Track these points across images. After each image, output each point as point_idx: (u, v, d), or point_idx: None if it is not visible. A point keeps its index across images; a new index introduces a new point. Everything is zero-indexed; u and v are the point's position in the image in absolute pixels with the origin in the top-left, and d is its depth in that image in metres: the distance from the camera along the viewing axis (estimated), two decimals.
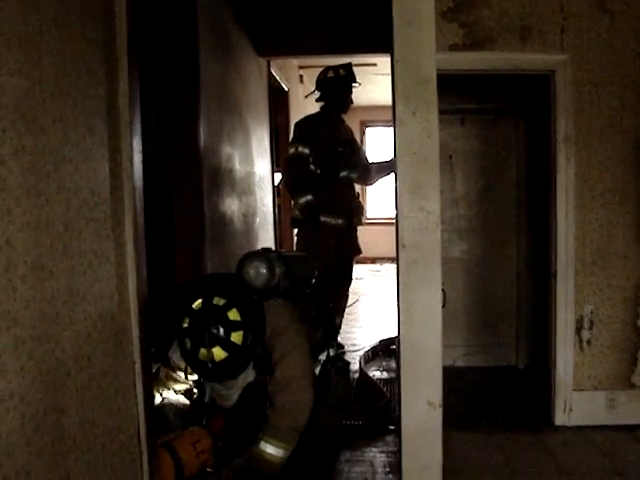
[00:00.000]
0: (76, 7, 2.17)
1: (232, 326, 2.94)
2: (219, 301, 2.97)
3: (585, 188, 3.95)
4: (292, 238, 6.81)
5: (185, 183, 4.22)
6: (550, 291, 4.03)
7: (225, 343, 2.92)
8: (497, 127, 5.17)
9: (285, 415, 3.10)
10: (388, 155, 5.33)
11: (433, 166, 2.83)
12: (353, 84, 5.56)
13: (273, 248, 3.73)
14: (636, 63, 3.92)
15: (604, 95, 3.94)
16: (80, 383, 2.07)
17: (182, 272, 4.21)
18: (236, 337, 2.96)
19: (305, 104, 8.81)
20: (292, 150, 5.34)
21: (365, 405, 4.27)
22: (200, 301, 3.00)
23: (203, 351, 2.94)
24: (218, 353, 2.92)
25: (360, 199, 5.88)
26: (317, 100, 5.59)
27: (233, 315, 2.96)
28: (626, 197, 3.96)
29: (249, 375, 3.24)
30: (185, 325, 3.02)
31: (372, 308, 8.00)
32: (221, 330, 2.92)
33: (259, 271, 3.27)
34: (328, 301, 4.21)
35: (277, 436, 3.10)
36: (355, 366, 5.10)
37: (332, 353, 3.61)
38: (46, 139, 1.91)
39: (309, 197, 5.25)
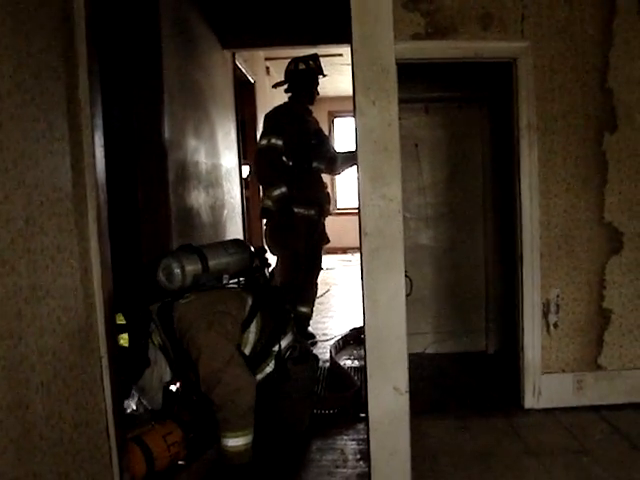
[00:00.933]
0: (33, 1, 2.16)
1: (118, 329, 2.98)
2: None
3: (549, 173, 3.99)
4: (261, 229, 6.82)
5: (150, 177, 4.20)
6: (517, 276, 4.07)
7: None
8: (461, 115, 5.20)
9: (228, 407, 3.08)
10: (354, 145, 5.34)
11: (394, 154, 2.84)
12: (320, 76, 5.57)
13: (198, 243, 3.73)
14: (595, 49, 3.97)
15: (565, 81, 3.98)
16: (45, 378, 2.07)
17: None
18: (122, 340, 3.01)
19: (272, 96, 8.79)
20: (264, 142, 5.34)
21: (336, 394, 4.29)
22: None
23: None
24: None
25: (328, 189, 5.90)
26: (286, 91, 5.59)
27: (118, 319, 3.02)
28: (589, 182, 4.01)
29: (164, 375, 3.28)
30: None
31: (343, 297, 8.03)
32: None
33: (169, 273, 3.33)
34: (276, 287, 4.22)
35: (229, 428, 3.09)
36: (326, 355, 5.12)
37: (285, 343, 3.58)
38: (4, 135, 1.90)
39: (283, 189, 5.26)
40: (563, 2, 3.94)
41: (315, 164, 5.42)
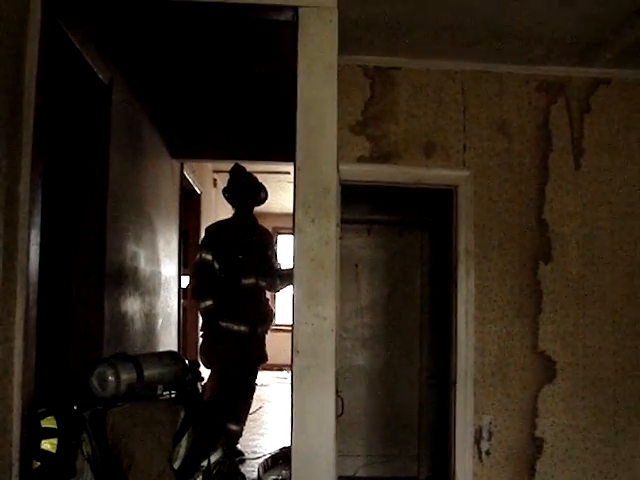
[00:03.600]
0: None
1: (43, 434, 2.85)
2: (40, 409, 2.88)
3: (485, 300, 4.06)
4: (197, 341, 6.69)
5: (85, 280, 4.11)
6: (450, 401, 4.05)
7: (35, 452, 2.81)
8: (402, 238, 5.28)
9: None
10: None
11: (330, 273, 2.85)
12: (239, 182, 5.56)
13: (133, 352, 3.66)
14: (531, 182, 4.13)
15: (503, 211, 4.11)
16: None
17: (77, 371, 4.05)
18: (48, 445, 2.86)
19: (217, 208, 8.85)
20: (197, 256, 5.40)
21: None
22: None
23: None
24: (34, 462, 2.81)
25: (270, 306, 5.83)
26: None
27: (47, 423, 2.88)
28: (523, 309, 4.09)
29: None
30: None
31: (276, 415, 7.85)
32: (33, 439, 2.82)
33: (103, 380, 3.24)
34: (207, 402, 4.11)
35: None
36: (254, 474, 4.95)
37: (215, 459, 3.46)
38: None
39: (208, 302, 5.23)
40: (502, 136, 4.12)
41: (249, 280, 5.38)
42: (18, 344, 2.42)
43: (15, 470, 2.39)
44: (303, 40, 2.88)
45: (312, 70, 2.85)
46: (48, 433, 2.88)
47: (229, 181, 5.62)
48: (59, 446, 2.88)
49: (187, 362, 3.85)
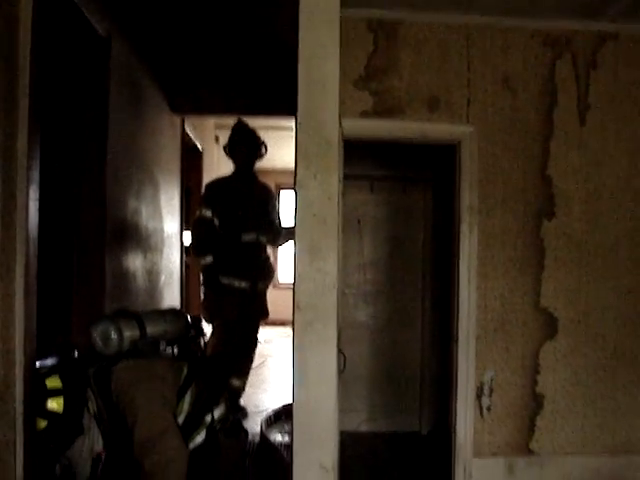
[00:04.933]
0: None
1: (48, 393, 2.85)
2: (42, 369, 2.87)
3: (487, 256, 4.04)
4: (200, 297, 6.70)
5: (87, 236, 4.09)
6: (451, 357, 4.06)
7: (42, 411, 2.81)
8: (405, 194, 5.25)
9: (158, 477, 2.95)
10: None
11: (332, 228, 2.83)
12: (240, 139, 5.51)
13: (138, 309, 3.65)
14: (536, 137, 4.08)
15: (507, 167, 4.07)
16: None
17: (79, 330, 4.05)
18: (55, 405, 2.86)
19: (219, 165, 8.80)
20: (197, 213, 5.38)
21: (264, 471, 4.17)
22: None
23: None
24: (39, 422, 2.81)
25: (271, 262, 5.83)
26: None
27: (52, 382, 2.87)
28: (526, 266, 4.07)
29: (95, 444, 3.14)
30: None
31: (279, 370, 7.90)
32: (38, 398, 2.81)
33: (106, 337, 3.23)
34: (210, 357, 4.12)
35: None
36: (257, 429, 4.99)
37: (218, 414, 3.49)
38: None
39: (208, 259, 5.24)
40: (507, 91, 4.06)
41: (249, 236, 5.36)
42: (19, 300, 2.41)
43: (19, 424, 2.40)
44: None
45: (313, 23, 2.79)
46: (54, 393, 2.89)
47: (231, 137, 5.56)
48: (65, 405, 2.89)
49: (189, 318, 3.86)
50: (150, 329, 3.43)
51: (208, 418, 3.40)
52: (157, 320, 3.56)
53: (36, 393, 2.59)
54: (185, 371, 3.42)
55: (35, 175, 2.57)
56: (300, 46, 2.80)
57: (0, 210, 2.30)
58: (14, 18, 2.52)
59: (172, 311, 3.84)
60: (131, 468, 3.10)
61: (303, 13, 2.82)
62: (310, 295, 2.79)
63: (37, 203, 2.58)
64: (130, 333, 3.31)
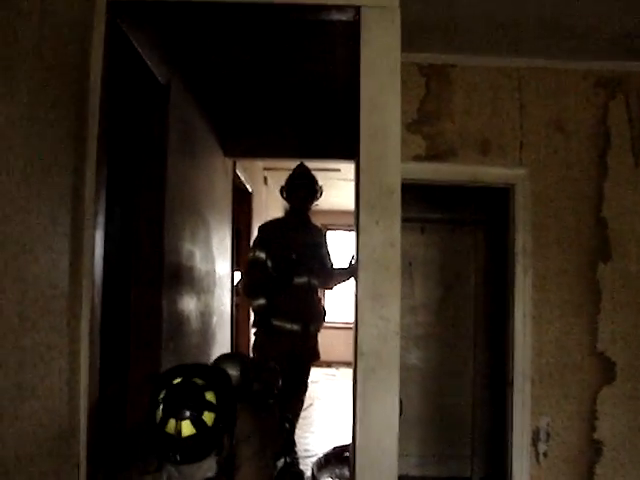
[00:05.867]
0: (48, 99, 2.19)
1: (206, 406, 2.87)
2: (198, 381, 2.91)
3: (542, 299, 4.01)
4: (249, 339, 6.73)
5: (145, 280, 4.16)
6: (506, 401, 4.01)
7: (196, 420, 2.83)
8: (456, 236, 5.24)
9: None
10: (348, 260, 5.37)
11: (395, 275, 2.83)
12: (301, 183, 5.54)
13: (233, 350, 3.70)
14: (589, 179, 4.06)
15: (560, 209, 4.05)
16: None
17: (136, 371, 4.10)
18: (208, 417, 2.88)
19: (268, 206, 8.88)
20: (251, 254, 5.39)
21: None
22: (180, 379, 2.94)
23: (172, 423, 2.82)
24: (187, 428, 2.82)
25: (323, 304, 5.83)
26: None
27: (209, 396, 2.90)
28: (581, 309, 4.02)
29: (211, 468, 3.14)
30: (161, 396, 2.92)
31: (326, 413, 7.86)
32: (195, 407, 2.84)
33: (232, 372, 3.25)
34: (287, 411, 4.14)
35: None
36: (308, 472, 4.97)
37: (288, 460, 3.51)
38: (10, 229, 1.88)
39: (262, 301, 5.24)
40: (560, 133, 4.06)
41: (302, 279, 5.37)
42: (84, 345, 2.46)
43: (82, 469, 2.43)
44: (366, 40, 2.86)
45: (375, 71, 2.83)
46: (209, 406, 2.91)
47: (290, 180, 5.57)
48: (215, 420, 2.92)
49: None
50: (262, 375, 3.48)
51: (280, 463, 3.42)
52: (264, 369, 3.61)
53: (98, 438, 2.61)
54: (288, 426, 3.46)
55: (101, 220, 2.63)
56: (362, 94, 2.83)
57: (69, 256, 2.36)
58: (86, 56, 2.61)
59: (268, 363, 3.89)
60: None
61: (364, 61, 2.85)
62: (372, 341, 2.79)
63: (102, 249, 2.64)
64: (250, 375, 3.34)
